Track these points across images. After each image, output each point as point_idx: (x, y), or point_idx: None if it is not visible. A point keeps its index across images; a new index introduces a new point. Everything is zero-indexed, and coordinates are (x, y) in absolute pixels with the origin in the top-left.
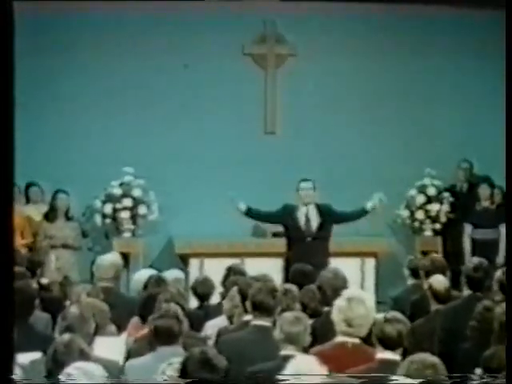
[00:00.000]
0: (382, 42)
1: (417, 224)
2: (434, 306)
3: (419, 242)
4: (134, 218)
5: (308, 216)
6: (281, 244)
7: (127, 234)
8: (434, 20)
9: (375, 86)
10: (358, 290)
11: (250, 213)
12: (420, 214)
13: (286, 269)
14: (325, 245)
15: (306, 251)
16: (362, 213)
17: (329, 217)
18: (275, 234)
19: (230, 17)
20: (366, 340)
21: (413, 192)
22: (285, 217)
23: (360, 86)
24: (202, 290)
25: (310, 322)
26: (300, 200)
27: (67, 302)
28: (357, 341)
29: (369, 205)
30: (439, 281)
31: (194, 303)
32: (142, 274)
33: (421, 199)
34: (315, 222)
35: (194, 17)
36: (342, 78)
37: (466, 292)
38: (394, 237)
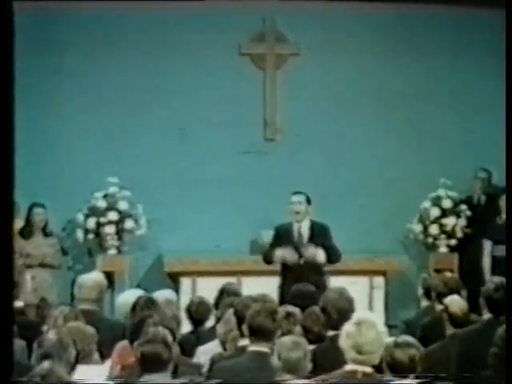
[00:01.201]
0: (392, 42)
1: (430, 239)
2: (450, 330)
3: (433, 260)
4: (119, 233)
5: (301, 235)
6: None
7: (112, 251)
8: (445, 19)
9: (384, 90)
10: (367, 313)
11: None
12: (434, 229)
13: (282, 289)
14: (319, 266)
15: (298, 273)
16: (337, 258)
17: (322, 237)
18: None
19: (225, 14)
20: (379, 368)
21: (426, 204)
22: (279, 239)
23: (368, 88)
24: (198, 313)
25: (311, 347)
26: (291, 216)
27: (44, 327)
28: (369, 369)
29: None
30: (456, 302)
31: (185, 327)
32: (129, 295)
33: (435, 212)
34: (307, 240)
35: (184, 14)
36: (349, 80)
37: (486, 315)
38: (405, 254)
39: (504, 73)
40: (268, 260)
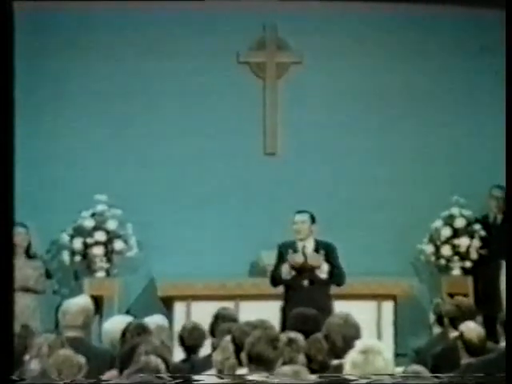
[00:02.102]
0: (401, 48)
1: (443, 261)
2: (466, 359)
3: (446, 283)
4: (108, 254)
5: (305, 253)
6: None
7: (100, 274)
8: (457, 27)
9: (393, 101)
10: (374, 340)
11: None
12: (446, 250)
13: (283, 312)
14: (324, 289)
15: (302, 296)
16: (337, 283)
17: (328, 258)
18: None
19: (222, 19)
20: None
21: (438, 223)
22: (284, 259)
23: (375, 99)
24: (191, 339)
25: (313, 377)
26: (294, 236)
27: (26, 357)
28: None
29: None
30: (471, 329)
31: (178, 354)
32: (118, 322)
33: (447, 232)
34: (312, 261)
35: (179, 19)
36: (354, 90)
37: (504, 343)
38: (415, 276)
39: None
40: (277, 279)
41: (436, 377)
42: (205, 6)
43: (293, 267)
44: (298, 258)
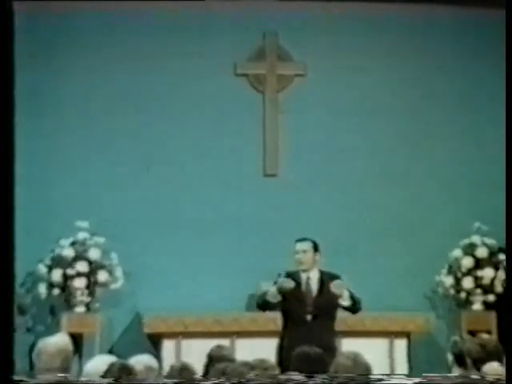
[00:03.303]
0: (417, 57)
1: (463, 295)
2: None
3: (466, 319)
4: (90, 287)
5: (309, 286)
6: None
7: (81, 309)
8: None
9: (406, 118)
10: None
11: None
12: (468, 282)
13: (281, 350)
14: (329, 324)
15: (305, 331)
16: (356, 309)
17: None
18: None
19: (218, 27)
20: None
21: (458, 253)
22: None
23: (386, 115)
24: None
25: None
26: (296, 266)
27: None
28: None
29: (344, 301)
30: (496, 371)
31: None
32: (100, 362)
33: (469, 262)
34: (316, 294)
35: (172, 27)
36: (363, 106)
37: None
38: (432, 311)
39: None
40: (262, 302)
41: None
42: (198, 9)
43: (284, 295)
44: (288, 283)
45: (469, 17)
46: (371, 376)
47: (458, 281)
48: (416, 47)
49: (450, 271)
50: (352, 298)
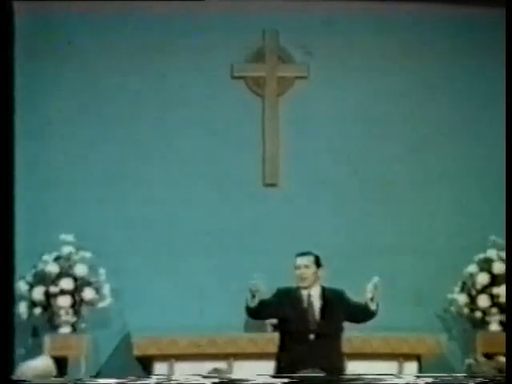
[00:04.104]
0: (428, 57)
1: (478, 314)
2: None
3: (482, 340)
4: (75, 306)
5: (310, 303)
6: None
7: (65, 329)
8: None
9: (415, 123)
10: None
11: (256, 310)
12: (483, 301)
13: (280, 372)
14: (334, 344)
15: (306, 353)
16: (370, 314)
17: (339, 307)
18: (276, 327)
19: (213, 25)
20: None
21: (472, 269)
22: (280, 306)
23: (394, 120)
24: None
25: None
26: (297, 282)
27: None
28: None
29: (371, 303)
30: None
31: None
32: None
33: (484, 279)
34: (319, 311)
35: (165, 26)
36: (369, 110)
37: None
38: (445, 332)
39: None
40: (246, 308)
41: None
42: (192, 6)
43: (282, 318)
44: (253, 286)
45: (469, 16)
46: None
47: (472, 299)
48: (426, 48)
49: (464, 288)
50: (353, 312)
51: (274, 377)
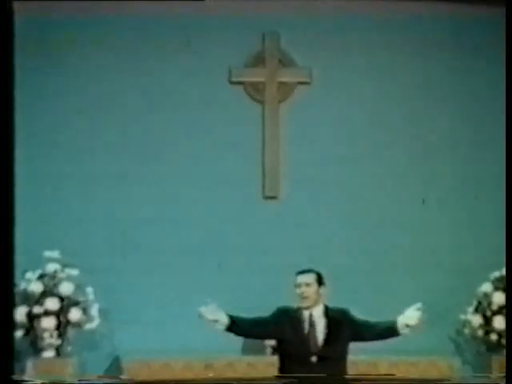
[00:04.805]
0: (437, 60)
1: (494, 337)
2: None
3: (497, 364)
4: (61, 327)
5: (312, 324)
6: None
7: (49, 353)
8: None
9: (422, 129)
10: None
11: (235, 327)
12: (499, 322)
13: None
14: (338, 368)
15: (308, 379)
16: (392, 332)
17: (343, 327)
18: (276, 350)
19: (210, 27)
20: None
21: (487, 287)
22: (279, 327)
23: (401, 127)
24: None
25: None
26: (299, 301)
27: None
28: None
29: (402, 322)
30: None
31: None
32: None
33: (500, 299)
34: (322, 333)
35: (160, 30)
36: (374, 118)
37: None
38: (458, 355)
39: None
40: (236, 332)
41: None
42: (189, 7)
43: (280, 339)
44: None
45: (469, 16)
46: None
47: (487, 320)
48: (427, 50)
49: (478, 309)
50: (359, 331)
51: None
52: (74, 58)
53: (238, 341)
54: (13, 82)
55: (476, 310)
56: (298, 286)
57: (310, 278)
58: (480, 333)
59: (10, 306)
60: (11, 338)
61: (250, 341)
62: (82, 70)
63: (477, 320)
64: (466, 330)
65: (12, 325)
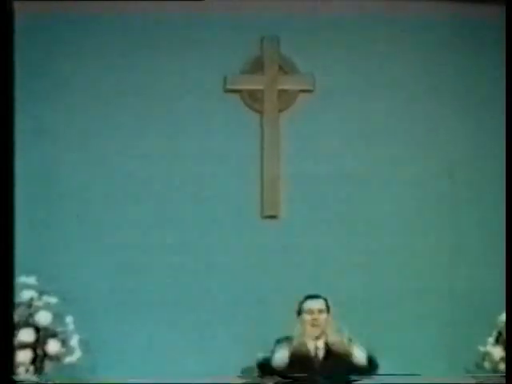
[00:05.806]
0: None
1: None
2: None
3: None
4: (37, 361)
5: (317, 356)
6: None
7: None
8: None
9: (433, 145)
10: None
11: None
12: None
13: None
14: None
15: None
16: (374, 367)
17: (341, 361)
18: (278, 374)
19: (204, 30)
20: None
21: None
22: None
23: (410, 139)
24: None
25: None
26: (307, 329)
27: None
28: None
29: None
30: None
31: None
32: None
33: None
34: (322, 365)
35: (149, 33)
36: (382, 129)
37: None
38: None
39: None
40: (267, 367)
41: None
42: (181, 8)
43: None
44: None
45: (469, 16)
46: None
47: None
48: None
49: (499, 340)
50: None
51: None
52: (73, 58)
53: (234, 373)
54: (13, 82)
55: (496, 342)
56: (309, 312)
57: (322, 303)
58: (501, 366)
59: (10, 306)
60: (11, 337)
61: (248, 372)
62: (82, 70)
63: (498, 352)
64: (486, 364)
65: (12, 325)
